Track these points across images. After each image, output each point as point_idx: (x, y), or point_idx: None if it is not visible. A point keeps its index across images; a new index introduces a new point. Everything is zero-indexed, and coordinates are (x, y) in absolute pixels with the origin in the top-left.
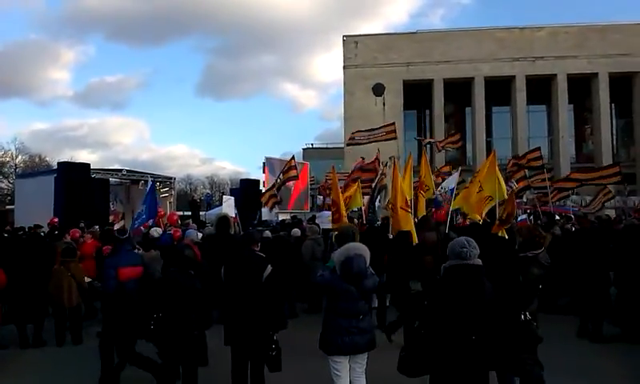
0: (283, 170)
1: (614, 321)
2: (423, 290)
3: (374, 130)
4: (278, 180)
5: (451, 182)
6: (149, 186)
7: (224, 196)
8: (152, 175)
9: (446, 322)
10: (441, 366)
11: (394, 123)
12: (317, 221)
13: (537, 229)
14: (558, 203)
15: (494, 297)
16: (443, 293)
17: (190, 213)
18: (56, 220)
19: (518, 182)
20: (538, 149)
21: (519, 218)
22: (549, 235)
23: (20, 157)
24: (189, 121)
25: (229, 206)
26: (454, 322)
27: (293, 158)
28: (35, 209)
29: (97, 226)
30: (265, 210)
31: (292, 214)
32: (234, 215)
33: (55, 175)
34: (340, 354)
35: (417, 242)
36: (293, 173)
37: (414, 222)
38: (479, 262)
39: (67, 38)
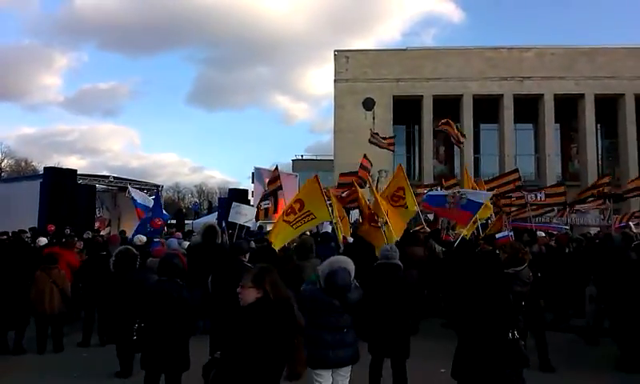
0: (269, 180)
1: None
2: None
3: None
4: (266, 189)
5: (481, 196)
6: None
7: (234, 202)
8: (140, 183)
9: (377, 300)
10: (376, 332)
11: (394, 137)
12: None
13: (520, 245)
14: (542, 220)
15: (414, 281)
16: (375, 280)
17: (174, 221)
18: (52, 228)
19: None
20: (516, 170)
21: (501, 235)
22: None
23: (5, 161)
24: (180, 130)
25: (237, 214)
26: (382, 300)
27: (276, 168)
28: (20, 214)
29: (89, 233)
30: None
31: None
32: (249, 226)
33: (41, 180)
34: (323, 368)
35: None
36: (277, 183)
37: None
38: (399, 262)
39: (61, 44)
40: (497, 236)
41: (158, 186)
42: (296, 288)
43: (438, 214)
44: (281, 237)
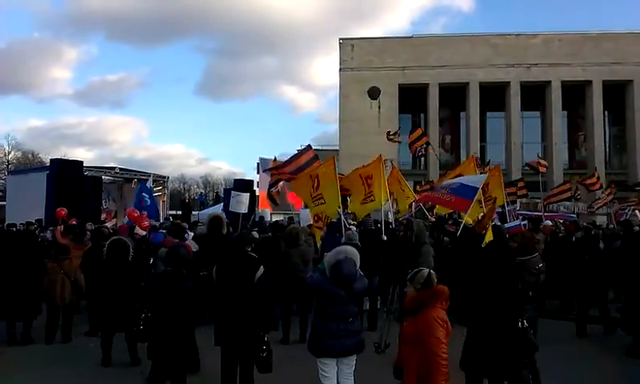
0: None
1: (627, 329)
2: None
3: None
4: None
5: (476, 181)
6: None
7: (233, 191)
8: (146, 174)
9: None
10: None
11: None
12: (296, 220)
13: (532, 235)
14: (550, 208)
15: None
16: None
17: (180, 212)
18: (64, 212)
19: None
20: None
21: (511, 224)
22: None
23: (13, 153)
24: (187, 121)
25: (238, 203)
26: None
27: (275, 159)
28: (27, 206)
29: (92, 224)
30: (259, 211)
31: (288, 216)
32: (245, 211)
33: (47, 172)
34: (328, 357)
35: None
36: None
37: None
38: (358, 243)
39: (69, 36)
40: (506, 225)
41: (164, 178)
42: (283, 274)
43: (435, 203)
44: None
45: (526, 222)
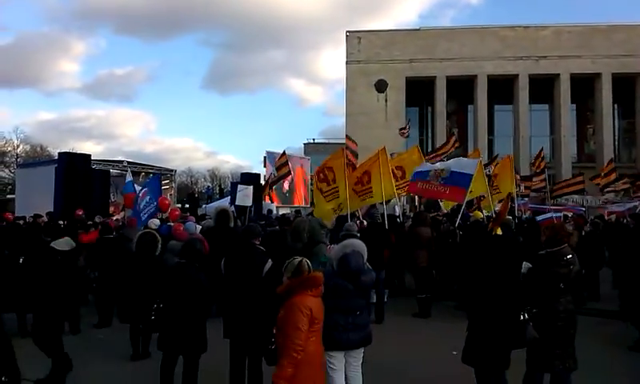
0: (276, 165)
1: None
2: (417, 285)
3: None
4: (272, 176)
5: (468, 166)
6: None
7: (239, 185)
8: (153, 167)
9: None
10: None
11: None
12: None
13: (562, 226)
14: (558, 202)
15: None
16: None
17: (188, 205)
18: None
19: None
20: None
21: (543, 217)
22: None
23: (22, 146)
24: (194, 114)
25: (245, 196)
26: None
27: (284, 153)
28: (36, 199)
29: (100, 217)
30: (265, 204)
31: (295, 209)
32: (250, 205)
33: (56, 165)
34: (336, 350)
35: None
36: (285, 169)
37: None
38: (357, 234)
39: (78, 30)
40: (538, 218)
41: (171, 171)
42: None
43: (423, 196)
44: (318, 208)
45: (560, 214)
